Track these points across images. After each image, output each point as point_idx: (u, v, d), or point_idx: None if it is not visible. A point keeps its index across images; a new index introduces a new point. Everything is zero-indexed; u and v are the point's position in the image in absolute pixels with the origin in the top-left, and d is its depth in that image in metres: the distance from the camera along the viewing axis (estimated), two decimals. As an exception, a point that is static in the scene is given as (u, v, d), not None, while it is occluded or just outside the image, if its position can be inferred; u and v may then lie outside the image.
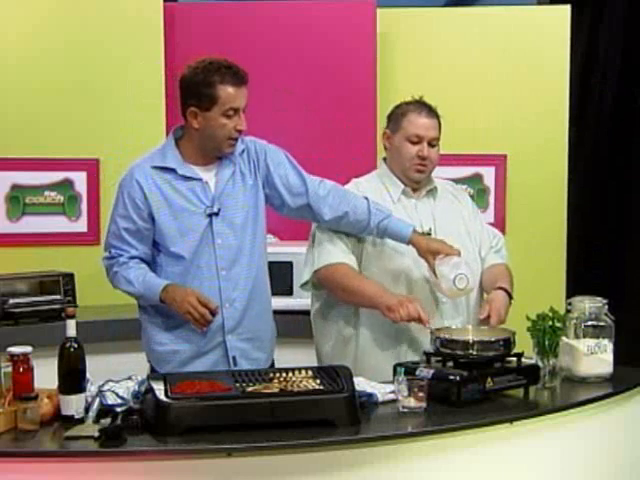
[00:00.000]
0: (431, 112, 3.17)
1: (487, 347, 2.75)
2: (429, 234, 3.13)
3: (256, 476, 2.37)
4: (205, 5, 4.66)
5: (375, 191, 3.18)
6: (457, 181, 4.41)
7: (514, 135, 4.46)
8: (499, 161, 4.46)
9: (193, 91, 2.93)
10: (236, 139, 2.98)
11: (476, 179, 4.47)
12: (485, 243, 3.29)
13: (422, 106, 3.18)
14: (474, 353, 2.73)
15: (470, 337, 2.78)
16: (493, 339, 2.77)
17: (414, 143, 3.13)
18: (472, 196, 4.41)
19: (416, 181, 3.18)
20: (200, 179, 3.00)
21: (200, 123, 2.94)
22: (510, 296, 3.11)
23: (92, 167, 4.30)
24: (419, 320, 2.90)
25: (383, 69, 4.39)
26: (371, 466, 2.45)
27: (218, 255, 2.99)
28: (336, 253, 3.09)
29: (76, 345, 2.49)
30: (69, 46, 4.27)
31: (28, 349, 2.54)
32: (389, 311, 2.93)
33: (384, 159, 3.27)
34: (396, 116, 3.19)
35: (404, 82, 4.22)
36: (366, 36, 4.36)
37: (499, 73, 4.46)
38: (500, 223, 4.44)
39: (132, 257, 2.99)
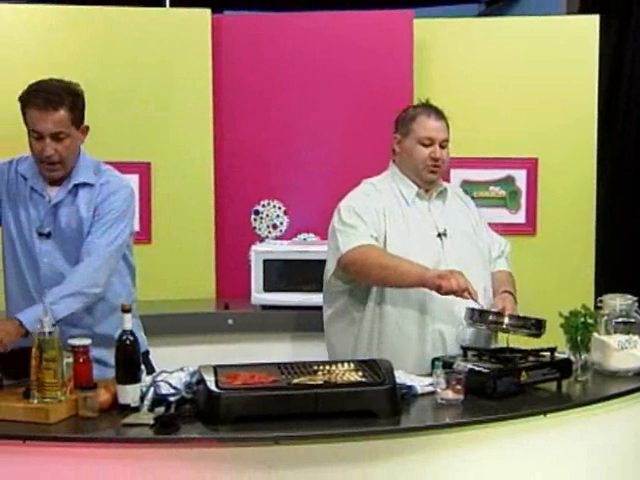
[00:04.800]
0: (439, 114, 3.12)
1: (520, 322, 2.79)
2: (445, 235, 3.09)
3: (302, 463, 2.37)
4: (250, 17, 4.67)
5: (390, 192, 3.13)
6: (490, 183, 4.41)
7: (545, 140, 4.40)
8: (530, 164, 4.41)
9: (20, 108, 2.85)
10: (48, 163, 2.83)
11: (509, 181, 4.43)
12: (495, 246, 3.28)
13: (430, 109, 3.13)
14: (507, 322, 2.75)
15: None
16: (525, 315, 2.79)
17: (426, 145, 3.08)
18: (505, 197, 4.39)
19: (429, 182, 3.13)
20: (44, 196, 2.90)
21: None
22: (514, 299, 3.10)
23: (144, 170, 4.32)
24: (467, 293, 2.82)
25: (419, 77, 4.36)
26: (410, 455, 2.44)
27: (42, 275, 2.89)
28: (363, 236, 3.01)
29: (132, 338, 2.51)
30: (124, 57, 4.30)
31: (87, 341, 2.57)
32: (441, 279, 2.82)
33: (394, 161, 3.20)
34: (405, 120, 3.14)
35: (440, 89, 4.19)
36: (404, 46, 4.33)
37: (530, 80, 4.41)
38: (531, 224, 4.41)
39: None
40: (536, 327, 2.77)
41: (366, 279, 3.03)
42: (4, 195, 2.94)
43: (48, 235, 2.89)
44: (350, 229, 3.03)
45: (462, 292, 2.83)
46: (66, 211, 2.90)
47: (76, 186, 2.91)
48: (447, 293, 2.84)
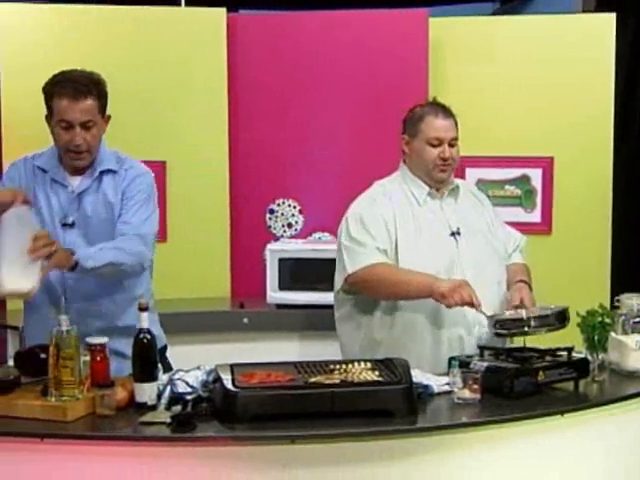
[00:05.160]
0: (446, 112, 3.08)
1: (543, 321, 2.76)
2: (459, 233, 3.07)
3: (318, 462, 2.37)
4: (265, 16, 4.68)
5: (401, 193, 3.10)
6: (506, 182, 4.39)
7: (561, 138, 4.38)
8: (546, 163, 4.40)
9: (45, 99, 2.86)
10: (76, 152, 2.84)
11: (524, 180, 4.42)
12: (511, 242, 3.26)
13: (437, 107, 3.10)
14: (532, 324, 2.72)
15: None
16: (548, 312, 2.77)
17: (435, 146, 3.05)
18: (520, 197, 4.38)
19: (440, 181, 3.10)
20: (66, 186, 2.90)
21: (50, 131, 2.87)
22: (530, 288, 3.08)
23: (159, 169, 4.31)
24: (471, 304, 2.83)
25: (434, 75, 4.35)
26: (427, 454, 2.44)
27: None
28: (371, 254, 2.99)
29: (149, 336, 2.51)
30: (139, 56, 4.31)
31: (104, 340, 2.57)
32: (443, 298, 2.84)
33: (404, 161, 3.17)
34: (413, 120, 3.10)
35: (455, 88, 4.18)
36: (418, 44, 4.32)
37: (546, 79, 4.39)
38: (547, 223, 4.39)
39: None
40: (559, 320, 2.76)
41: (377, 296, 3.03)
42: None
43: (72, 225, 2.89)
44: (357, 246, 3.00)
45: (466, 304, 2.84)
46: (91, 199, 2.91)
47: (101, 173, 2.92)
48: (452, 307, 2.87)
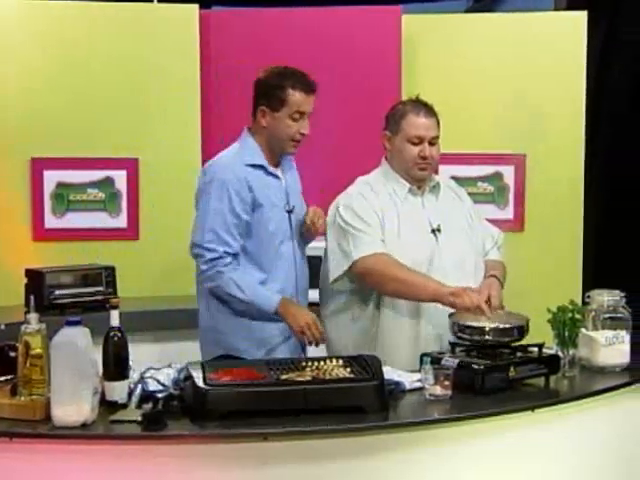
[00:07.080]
0: (429, 111, 3.08)
1: (502, 334, 2.76)
2: (439, 230, 3.07)
3: (291, 459, 2.36)
4: (237, 13, 4.66)
5: (383, 190, 3.10)
6: (478, 179, 4.41)
7: (533, 136, 4.41)
8: (518, 160, 4.43)
9: (265, 92, 3.03)
10: (299, 141, 3.06)
11: (496, 177, 4.44)
12: (488, 238, 3.25)
13: (420, 106, 3.08)
14: (490, 339, 2.73)
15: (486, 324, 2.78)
16: (508, 326, 2.77)
17: (415, 144, 3.04)
18: (492, 193, 4.40)
19: (420, 179, 3.10)
20: (279, 177, 3.12)
21: (268, 122, 3.03)
22: (501, 284, 3.09)
23: (132, 166, 4.31)
24: (480, 309, 2.83)
25: (407, 72, 4.36)
26: (399, 450, 2.44)
27: (295, 249, 3.11)
28: (374, 242, 2.98)
29: (120, 334, 2.49)
30: (112, 53, 4.29)
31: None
32: (455, 296, 2.84)
33: (386, 158, 3.17)
34: (395, 117, 3.09)
35: (427, 85, 4.17)
36: (391, 41, 4.33)
37: (518, 76, 4.42)
38: (519, 219, 4.42)
39: (234, 255, 2.99)
40: (519, 333, 2.77)
41: (381, 290, 3.02)
42: (256, 199, 3.03)
43: (292, 210, 3.12)
44: (358, 233, 3.00)
45: (475, 309, 2.84)
46: (292, 189, 3.16)
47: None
48: (461, 310, 2.86)
